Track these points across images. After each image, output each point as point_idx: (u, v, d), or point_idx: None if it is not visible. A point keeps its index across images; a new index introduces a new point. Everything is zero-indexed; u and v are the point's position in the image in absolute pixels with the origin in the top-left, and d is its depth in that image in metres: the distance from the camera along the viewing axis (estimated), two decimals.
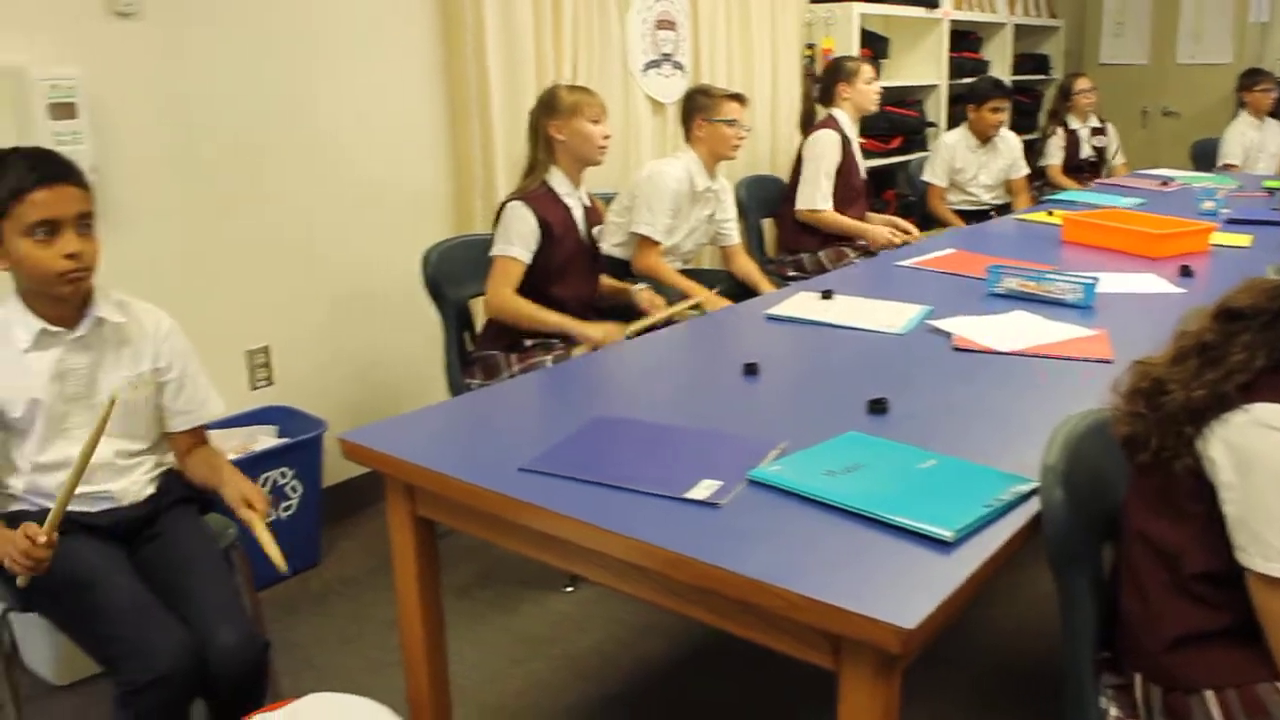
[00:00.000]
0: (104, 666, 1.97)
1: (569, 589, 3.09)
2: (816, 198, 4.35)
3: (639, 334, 2.92)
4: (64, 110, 2.76)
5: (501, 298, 3.03)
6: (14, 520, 2.05)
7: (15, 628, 2.68)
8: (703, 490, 1.67)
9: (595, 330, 3.00)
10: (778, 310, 2.76)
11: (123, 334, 2.15)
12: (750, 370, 2.28)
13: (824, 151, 4.36)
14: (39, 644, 2.71)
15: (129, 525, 2.16)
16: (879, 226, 4.40)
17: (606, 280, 3.42)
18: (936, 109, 6.43)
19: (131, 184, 2.96)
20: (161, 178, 3.04)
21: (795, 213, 4.42)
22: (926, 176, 5.33)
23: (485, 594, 3.09)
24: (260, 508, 2.12)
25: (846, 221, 4.35)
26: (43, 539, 1.85)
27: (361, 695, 1.85)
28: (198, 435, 2.32)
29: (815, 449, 1.83)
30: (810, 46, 5.48)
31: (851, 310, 2.75)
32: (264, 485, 3.05)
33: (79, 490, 2.08)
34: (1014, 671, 2.75)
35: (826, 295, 2.87)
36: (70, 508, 2.07)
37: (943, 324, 2.60)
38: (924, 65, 6.41)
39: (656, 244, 3.70)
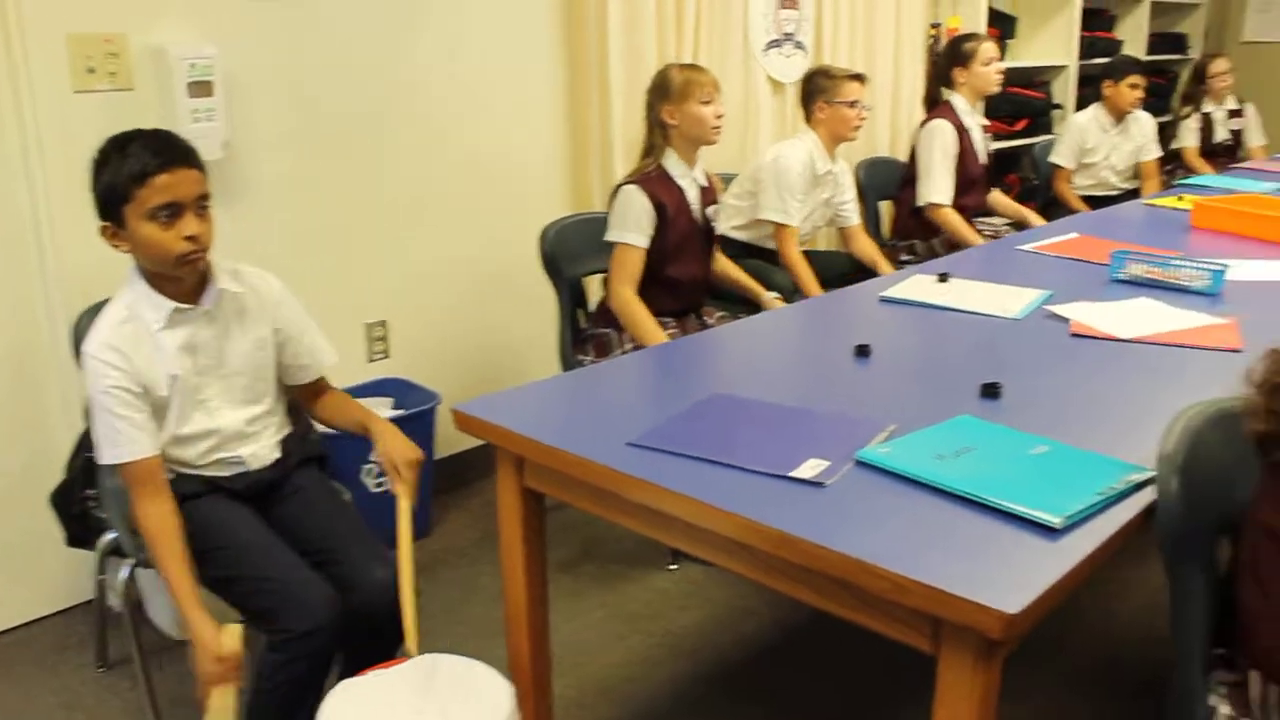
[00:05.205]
0: (255, 618, 2.06)
1: (672, 567, 3.12)
2: (932, 191, 4.25)
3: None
4: (202, 89, 2.85)
5: (620, 298, 3.04)
6: None
7: (139, 583, 2.82)
8: (809, 469, 1.67)
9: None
10: (892, 293, 2.73)
11: (241, 303, 2.21)
12: (862, 352, 2.26)
13: (936, 144, 4.24)
14: (162, 599, 2.81)
15: (261, 489, 2.24)
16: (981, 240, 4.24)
17: (740, 274, 3.41)
18: (1065, 91, 6.26)
19: (261, 159, 3.06)
20: (288, 153, 3.13)
21: (916, 206, 4.33)
22: (1054, 158, 5.18)
23: (588, 569, 3.13)
24: (408, 477, 2.17)
25: (962, 227, 4.21)
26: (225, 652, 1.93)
27: None
28: (320, 385, 2.40)
29: (925, 432, 1.81)
30: (935, 25, 5.38)
31: (967, 294, 2.70)
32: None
33: (214, 457, 2.20)
34: (1127, 663, 2.69)
35: (942, 278, 2.83)
36: (205, 473, 2.20)
37: (1061, 310, 2.54)
38: (1053, 45, 6.25)
39: (791, 228, 3.69)
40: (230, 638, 1.93)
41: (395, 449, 2.20)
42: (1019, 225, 4.40)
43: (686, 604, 2.94)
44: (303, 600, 2.00)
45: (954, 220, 4.20)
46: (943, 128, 4.24)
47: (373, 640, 2.12)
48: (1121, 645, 2.78)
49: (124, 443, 2.06)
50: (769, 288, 3.42)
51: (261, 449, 2.26)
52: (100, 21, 2.74)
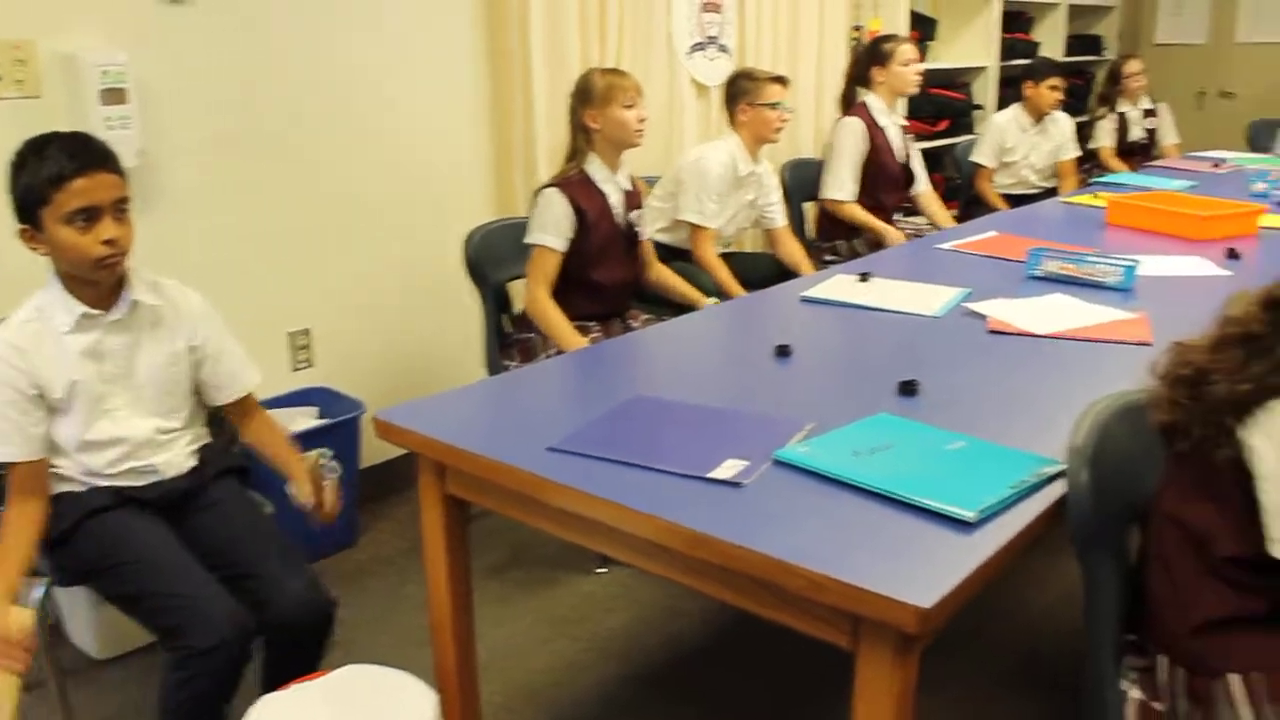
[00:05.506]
0: (160, 635, 2.03)
1: (601, 570, 3.11)
2: (833, 187, 4.32)
3: None
4: (115, 96, 2.80)
5: (535, 301, 3.04)
6: (59, 501, 2.13)
7: (59, 602, 2.76)
8: (727, 470, 1.67)
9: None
10: (813, 293, 2.75)
11: (157, 314, 2.19)
12: (782, 352, 2.28)
13: (846, 141, 4.31)
14: (82, 618, 2.77)
15: (174, 498, 2.20)
16: (894, 231, 4.32)
17: (679, 282, 3.41)
18: (985, 91, 6.37)
19: (178, 167, 3.01)
20: (207, 161, 3.08)
21: (813, 194, 4.41)
22: (975, 157, 5.26)
23: (516, 574, 3.12)
24: (328, 509, 2.20)
25: (865, 217, 4.29)
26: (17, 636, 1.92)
27: None
28: (247, 405, 2.37)
29: (843, 430, 1.83)
30: (857, 28, 5.44)
31: (887, 293, 2.73)
32: None
33: (126, 466, 2.16)
34: (1044, 653, 2.74)
35: (863, 278, 2.86)
36: (117, 483, 2.16)
37: (979, 307, 2.58)
38: (973, 47, 6.35)
39: (708, 230, 3.71)
40: (21, 619, 1.93)
41: (308, 491, 2.21)
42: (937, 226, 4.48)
43: (614, 606, 2.94)
44: (206, 616, 1.96)
45: (858, 213, 4.30)
46: (852, 125, 4.32)
47: (294, 652, 2.09)
48: (1040, 635, 2.83)
49: (1, 442, 2.05)
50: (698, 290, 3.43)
51: (176, 457, 2.23)
52: (5, 27, 2.68)
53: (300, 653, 2.10)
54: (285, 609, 2.05)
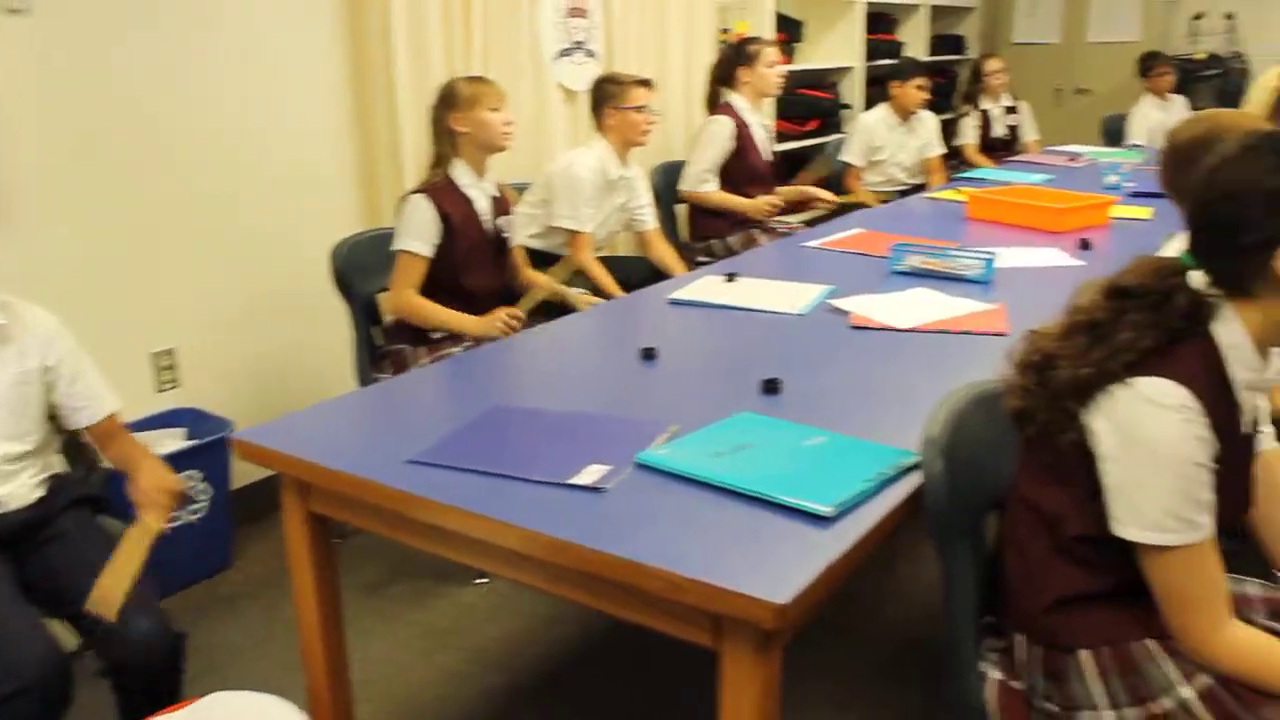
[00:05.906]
0: None
1: (481, 581, 3.08)
2: (693, 178, 4.45)
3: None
4: None
5: (400, 299, 3.04)
6: None
7: None
8: (589, 475, 1.67)
9: (476, 325, 2.98)
10: (681, 294, 2.77)
11: (5, 334, 2.11)
12: (648, 355, 2.28)
13: (712, 138, 4.43)
14: None
15: (16, 530, 2.11)
16: (757, 200, 4.42)
17: (548, 280, 3.40)
18: (852, 91, 6.49)
19: (27, 185, 2.88)
20: (59, 177, 2.96)
21: (677, 193, 4.50)
22: (844, 156, 5.36)
23: (394, 590, 3.07)
24: (163, 501, 2.11)
25: (723, 197, 4.42)
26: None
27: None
28: (110, 427, 2.28)
29: (705, 430, 1.84)
30: (725, 30, 5.49)
31: (753, 292, 2.76)
32: None
33: None
34: (924, 639, 2.79)
35: (730, 278, 2.89)
36: None
37: (842, 303, 2.63)
38: (839, 48, 6.47)
39: (585, 234, 3.72)
40: None
41: (149, 478, 2.15)
42: (810, 206, 4.62)
43: (495, 616, 2.91)
44: (8, 660, 1.83)
45: (713, 197, 4.40)
46: (722, 122, 4.43)
47: (146, 688, 2.01)
48: (919, 622, 2.88)
49: None
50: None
51: (20, 488, 2.14)
52: None
53: (152, 689, 2.02)
54: (130, 650, 1.96)
